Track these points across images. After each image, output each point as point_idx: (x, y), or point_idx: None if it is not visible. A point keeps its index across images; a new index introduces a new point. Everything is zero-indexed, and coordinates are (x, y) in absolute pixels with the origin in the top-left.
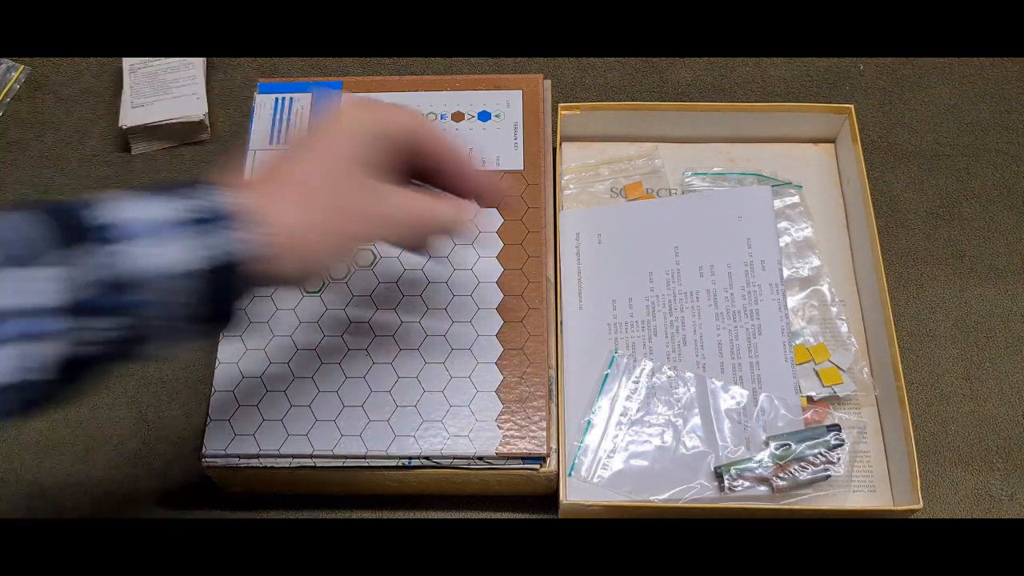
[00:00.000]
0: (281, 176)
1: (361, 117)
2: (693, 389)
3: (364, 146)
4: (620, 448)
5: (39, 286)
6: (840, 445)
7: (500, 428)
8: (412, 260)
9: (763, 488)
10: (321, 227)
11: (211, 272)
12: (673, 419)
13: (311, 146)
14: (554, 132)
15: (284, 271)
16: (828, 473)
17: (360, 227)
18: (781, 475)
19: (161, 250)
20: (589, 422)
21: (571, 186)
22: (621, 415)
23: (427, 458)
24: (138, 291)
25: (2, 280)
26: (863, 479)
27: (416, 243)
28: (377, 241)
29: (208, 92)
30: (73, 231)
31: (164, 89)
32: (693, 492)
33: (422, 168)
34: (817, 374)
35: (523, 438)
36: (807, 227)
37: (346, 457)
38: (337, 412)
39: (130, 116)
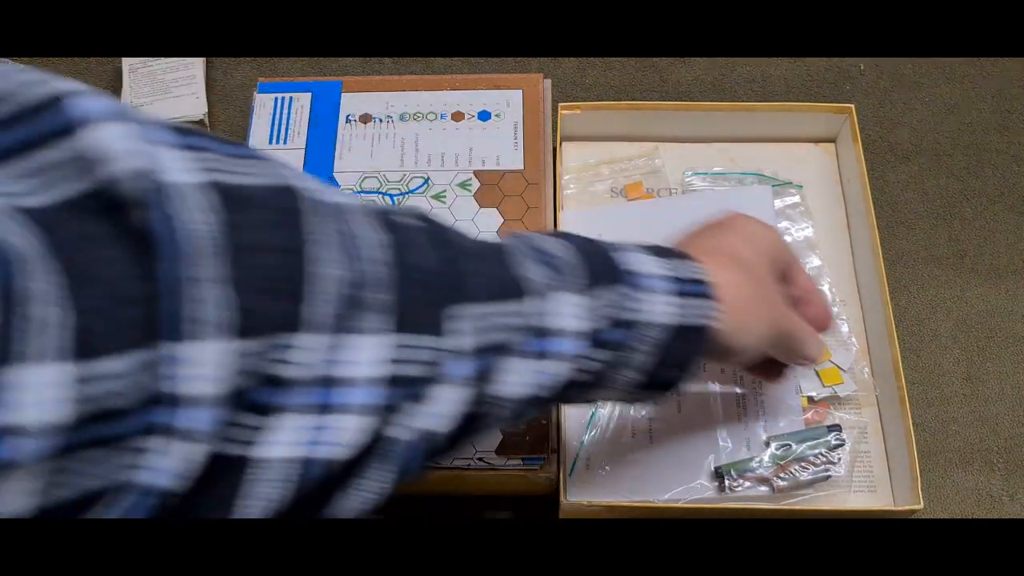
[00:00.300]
0: (723, 252)
1: (762, 226)
2: (693, 388)
3: (770, 254)
4: (620, 448)
5: (568, 310)
6: (841, 445)
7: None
8: None
9: (763, 488)
10: (755, 308)
11: (681, 330)
12: (673, 419)
13: (740, 231)
14: (554, 132)
15: (724, 342)
16: (829, 473)
17: (779, 320)
18: (781, 475)
19: (656, 303)
20: (589, 422)
21: (571, 186)
22: (621, 415)
23: None
24: (632, 334)
25: (552, 301)
26: (863, 479)
27: (782, 360)
28: (771, 344)
29: (208, 92)
30: (603, 269)
31: (164, 89)
32: (693, 492)
33: (787, 296)
34: (817, 374)
35: (523, 438)
36: (807, 227)
37: None
38: None
39: None
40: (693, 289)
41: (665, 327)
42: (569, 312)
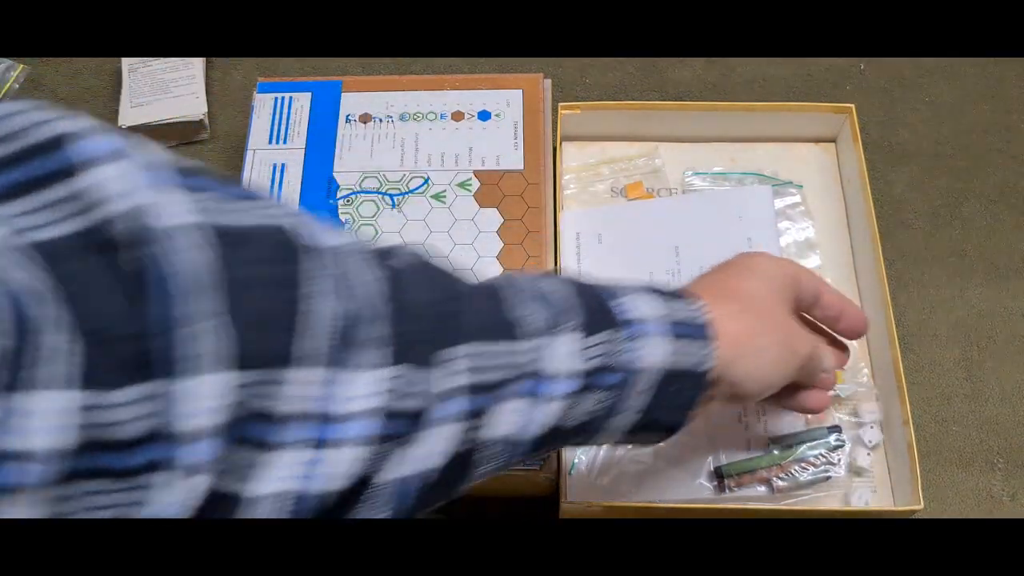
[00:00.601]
0: (725, 287)
1: (775, 260)
2: None
3: (782, 285)
4: (620, 448)
5: (563, 352)
6: (841, 446)
7: None
8: None
9: (763, 488)
10: (757, 338)
11: (675, 374)
12: None
13: (747, 267)
14: (554, 132)
15: (726, 376)
16: (828, 474)
17: (790, 342)
18: (781, 475)
19: (650, 347)
20: None
21: (571, 186)
22: None
23: None
24: (624, 377)
25: (548, 343)
26: (864, 479)
27: (806, 381)
28: (790, 369)
29: (208, 92)
30: (598, 312)
31: (163, 89)
32: (693, 492)
33: (819, 317)
34: None
35: None
36: (808, 227)
37: None
38: None
39: (129, 116)
40: (689, 331)
41: (658, 371)
42: (563, 355)
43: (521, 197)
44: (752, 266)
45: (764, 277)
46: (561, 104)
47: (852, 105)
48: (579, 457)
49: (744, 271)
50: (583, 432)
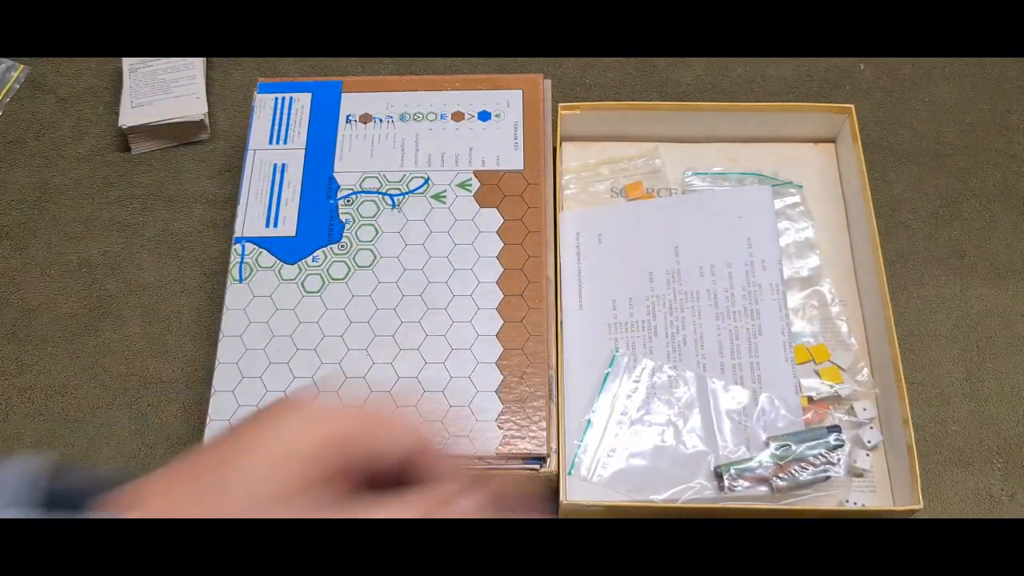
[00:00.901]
0: (202, 488)
1: (301, 433)
2: (693, 389)
3: (297, 473)
4: (620, 448)
5: None
6: (840, 446)
7: (500, 428)
8: (412, 260)
9: (763, 488)
10: None
11: None
12: (673, 419)
13: (250, 447)
14: (554, 132)
15: None
16: (828, 474)
17: None
18: (781, 475)
19: None
20: (589, 421)
21: (571, 186)
22: (621, 414)
23: None
24: None
25: None
26: (864, 479)
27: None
28: None
29: (208, 92)
30: None
31: (164, 89)
32: (693, 492)
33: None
34: (817, 374)
35: (523, 438)
36: (807, 227)
37: None
38: None
39: (130, 116)
40: None
41: None
42: None
43: (521, 197)
44: (254, 446)
45: (262, 465)
46: (561, 104)
47: (852, 105)
48: (579, 457)
49: (244, 450)
50: None
